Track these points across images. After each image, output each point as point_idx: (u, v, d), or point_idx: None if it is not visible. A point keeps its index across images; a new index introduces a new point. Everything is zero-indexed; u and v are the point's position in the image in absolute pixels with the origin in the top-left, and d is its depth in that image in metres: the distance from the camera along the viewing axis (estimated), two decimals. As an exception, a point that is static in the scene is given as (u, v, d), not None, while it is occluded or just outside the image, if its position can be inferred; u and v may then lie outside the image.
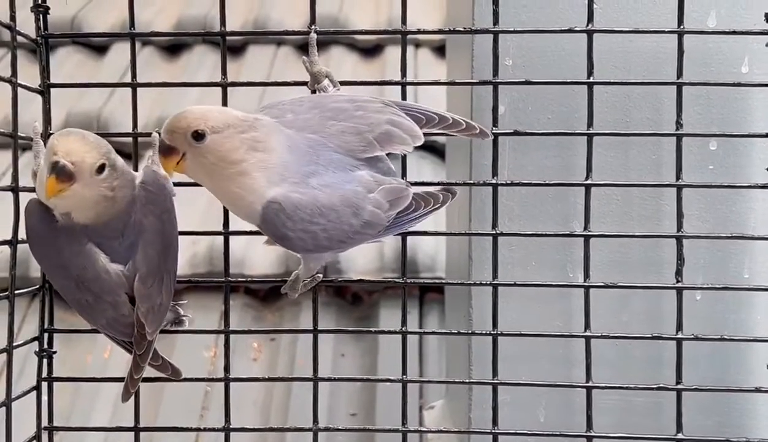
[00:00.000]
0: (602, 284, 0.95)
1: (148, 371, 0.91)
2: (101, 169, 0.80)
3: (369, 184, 0.82)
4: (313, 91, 0.91)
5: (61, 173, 0.77)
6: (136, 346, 0.88)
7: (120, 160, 0.83)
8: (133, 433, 0.99)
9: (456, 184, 0.96)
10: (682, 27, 0.94)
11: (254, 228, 0.87)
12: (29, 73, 0.98)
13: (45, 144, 0.89)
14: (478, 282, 1.00)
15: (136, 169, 0.98)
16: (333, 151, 0.82)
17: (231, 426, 0.98)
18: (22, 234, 0.93)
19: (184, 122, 0.79)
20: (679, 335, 0.95)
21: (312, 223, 0.81)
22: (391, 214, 0.84)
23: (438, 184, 0.99)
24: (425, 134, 0.86)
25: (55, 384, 0.99)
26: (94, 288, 0.84)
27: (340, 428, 0.98)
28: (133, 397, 0.98)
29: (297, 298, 0.96)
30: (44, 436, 0.98)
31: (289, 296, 0.96)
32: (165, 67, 2.52)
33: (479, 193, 1.01)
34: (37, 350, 0.98)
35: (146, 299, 0.86)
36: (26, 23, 0.94)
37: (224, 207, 0.96)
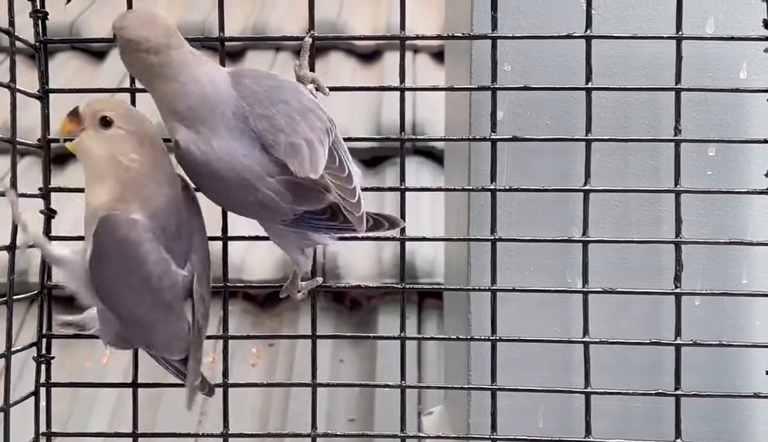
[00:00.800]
0: (601, 289, 0.95)
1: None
2: (106, 123, 0.80)
3: (268, 169, 0.80)
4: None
5: (72, 113, 0.79)
6: (195, 352, 0.87)
7: (157, 142, 0.82)
8: (131, 439, 0.99)
9: (455, 189, 0.96)
10: (680, 33, 0.94)
11: (253, 234, 0.87)
12: (28, 78, 0.98)
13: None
14: (476, 288, 1.00)
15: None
16: (255, 128, 0.81)
17: (229, 432, 0.98)
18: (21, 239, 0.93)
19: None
20: (678, 341, 0.95)
21: (203, 178, 0.81)
22: (297, 209, 0.82)
23: (437, 189, 0.99)
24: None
25: (54, 390, 0.99)
26: (168, 298, 0.82)
27: (338, 433, 0.98)
28: (131, 402, 0.98)
29: (295, 304, 0.96)
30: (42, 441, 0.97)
31: (291, 298, 0.95)
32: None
33: (478, 198, 1.01)
34: (36, 355, 0.97)
35: (202, 301, 0.85)
36: (25, 28, 0.94)
37: (223, 212, 0.96)
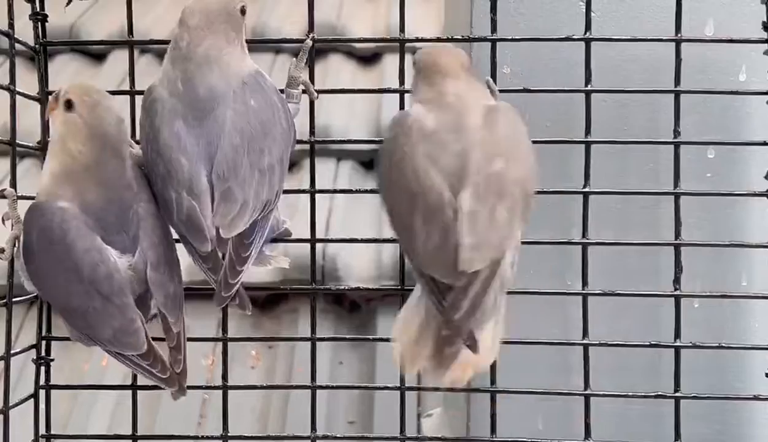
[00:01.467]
0: (600, 291, 0.95)
1: (145, 380, 0.90)
2: (69, 105, 0.80)
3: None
4: (281, 91, 0.90)
5: (56, 92, 0.82)
6: (168, 340, 0.85)
7: (112, 142, 0.82)
8: (130, 441, 0.99)
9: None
10: (679, 35, 0.94)
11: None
12: (28, 80, 0.98)
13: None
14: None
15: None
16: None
17: (229, 434, 0.98)
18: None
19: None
20: (678, 343, 0.95)
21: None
22: (184, 233, 0.82)
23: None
24: None
25: (53, 392, 0.99)
26: (104, 289, 0.80)
27: (338, 436, 0.98)
28: (130, 405, 0.98)
29: (295, 306, 0.96)
30: (41, 444, 0.98)
31: None
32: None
33: (477, 200, 1.01)
34: (35, 357, 0.98)
35: (161, 287, 0.83)
36: (25, 31, 0.95)
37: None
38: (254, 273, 2.07)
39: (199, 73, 0.81)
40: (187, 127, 0.80)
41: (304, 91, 0.91)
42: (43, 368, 0.98)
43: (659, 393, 0.95)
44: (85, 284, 0.80)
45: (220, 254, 0.82)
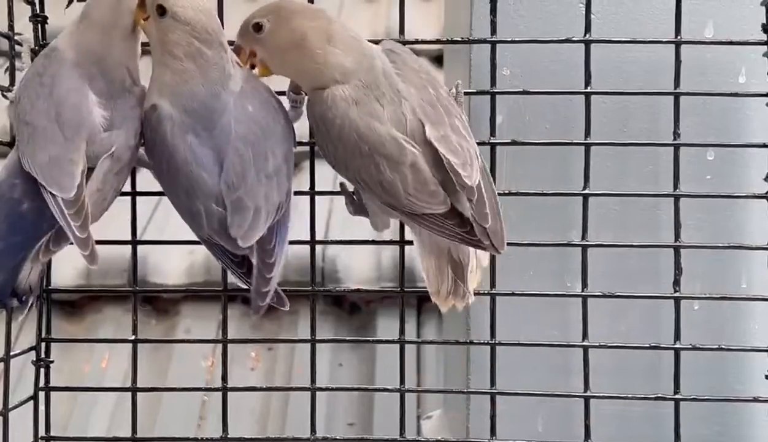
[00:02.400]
0: (600, 293, 0.95)
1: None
2: (162, 11, 0.80)
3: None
4: (288, 94, 0.92)
5: (140, 2, 0.81)
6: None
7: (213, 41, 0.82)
8: (130, 443, 0.99)
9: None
10: (679, 37, 0.94)
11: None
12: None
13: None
14: (475, 291, 1.00)
15: (133, 177, 0.98)
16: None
17: (228, 436, 0.98)
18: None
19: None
20: (677, 345, 0.95)
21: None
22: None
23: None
24: None
25: (53, 394, 0.99)
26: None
27: (337, 437, 0.98)
28: (130, 406, 0.98)
29: (295, 307, 0.96)
30: (41, 446, 0.97)
31: None
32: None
33: (477, 202, 1.01)
34: (35, 359, 0.97)
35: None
36: (25, 32, 0.94)
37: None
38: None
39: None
40: (198, 140, 0.81)
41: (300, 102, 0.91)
42: (42, 370, 0.98)
43: (659, 395, 0.95)
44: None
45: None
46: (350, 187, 0.92)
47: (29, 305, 0.88)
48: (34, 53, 0.96)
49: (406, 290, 0.98)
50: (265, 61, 0.84)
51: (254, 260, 0.83)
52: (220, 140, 0.81)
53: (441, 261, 0.90)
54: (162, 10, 0.79)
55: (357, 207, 0.92)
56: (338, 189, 0.94)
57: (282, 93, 0.91)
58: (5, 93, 0.90)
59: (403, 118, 0.81)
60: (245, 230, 0.81)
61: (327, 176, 1.01)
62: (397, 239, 0.98)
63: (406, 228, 0.95)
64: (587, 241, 0.95)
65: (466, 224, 0.82)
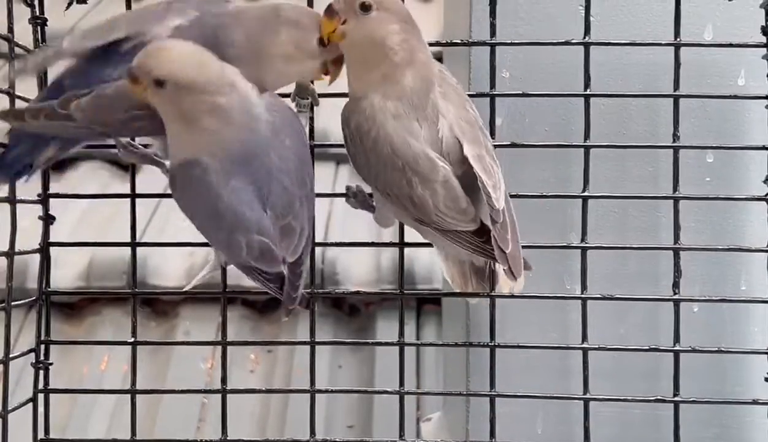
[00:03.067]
0: (599, 295, 0.95)
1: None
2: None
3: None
4: (293, 98, 0.92)
5: (327, 11, 0.81)
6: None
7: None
8: (129, 445, 0.99)
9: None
10: (678, 39, 0.94)
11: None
12: (27, 84, 0.98)
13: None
14: (474, 293, 1.00)
15: (133, 179, 0.99)
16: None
17: (228, 438, 0.98)
18: (19, 245, 0.93)
19: None
20: (677, 347, 0.95)
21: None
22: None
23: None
24: None
25: (52, 396, 0.99)
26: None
27: (337, 440, 0.98)
28: (129, 409, 0.98)
29: (294, 309, 0.96)
30: (40, 448, 0.97)
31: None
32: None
33: (476, 204, 1.01)
34: (34, 361, 0.97)
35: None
36: (24, 35, 0.95)
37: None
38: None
39: None
40: (239, 181, 0.81)
41: (303, 103, 0.92)
42: (41, 372, 0.98)
43: (658, 397, 0.95)
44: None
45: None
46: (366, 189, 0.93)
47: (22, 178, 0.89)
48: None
49: (405, 292, 0.98)
50: (347, 46, 0.82)
51: (285, 272, 0.84)
52: (260, 174, 0.81)
53: (464, 267, 0.92)
54: (160, 83, 0.77)
55: (360, 202, 0.94)
56: (337, 191, 0.94)
57: (285, 95, 0.91)
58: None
59: (439, 136, 0.81)
60: (292, 250, 0.83)
61: (326, 178, 1.01)
62: (397, 241, 0.98)
63: (406, 230, 0.95)
64: (587, 243, 0.95)
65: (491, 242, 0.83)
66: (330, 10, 0.81)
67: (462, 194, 0.81)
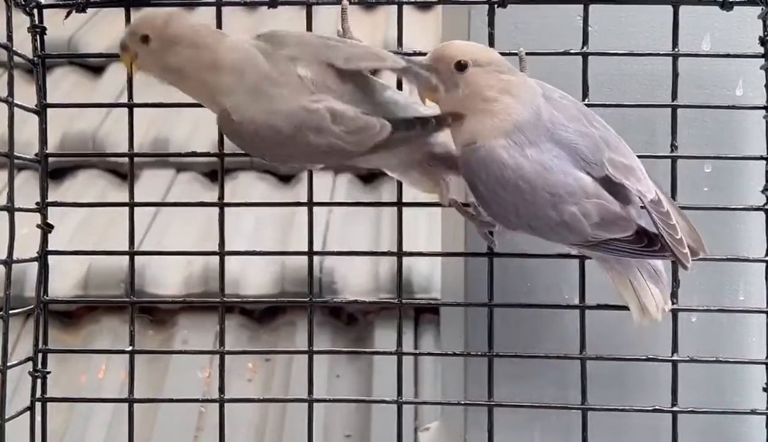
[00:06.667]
0: (597, 305, 0.95)
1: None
2: (462, 66, 0.81)
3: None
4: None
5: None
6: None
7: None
8: (126, 454, 0.98)
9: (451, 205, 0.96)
10: (676, 50, 0.94)
11: (249, 248, 0.87)
12: (26, 93, 0.99)
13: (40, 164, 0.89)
14: (473, 303, 1.00)
15: (131, 187, 0.99)
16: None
17: (225, 447, 0.98)
18: (17, 254, 0.93)
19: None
20: (675, 357, 0.95)
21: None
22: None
23: (434, 205, 0.99)
24: None
25: (49, 405, 0.98)
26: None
27: (334, 449, 0.98)
28: (127, 418, 0.98)
29: (292, 319, 0.96)
30: (37, 457, 0.97)
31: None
32: (161, 88, 2.51)
33: (475, 214, 1.01)
34: (31, 370, 0.97)
35: None
36: (23, 44, 0.95)
37: (220, 226, 0.96)
38: (253, 285, 2.07)
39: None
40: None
41: None
42: (39, 381, 0.98)
43: (657, 407, 0.95)
44: None
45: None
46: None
47: None
48: (33, 64, 0.97)
49: (403, 301, 0.98)
50: (451, 108, 0.83)
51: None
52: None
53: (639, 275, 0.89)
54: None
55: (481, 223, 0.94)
56: (336, 200, 0.94)
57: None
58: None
59: (568, 154, 0.81)
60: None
61: (324, 188, 1.01)
62: (395, 250, 0.98)
63: (404, 236, 0.95)
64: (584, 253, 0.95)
65: (653, 241, 0.83)
66: (427, 86, 0.82)
67: (612, 199, 0.81)
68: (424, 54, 0.93)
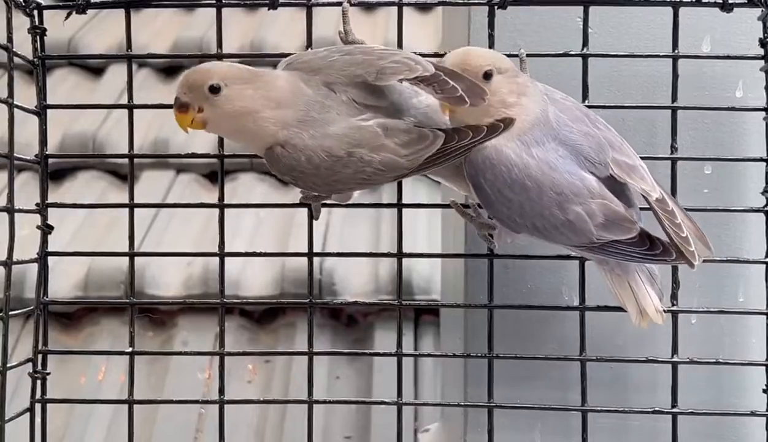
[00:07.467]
0: (597, 306, 0.95)
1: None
2: (488, 74, 0.82)
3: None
4: None
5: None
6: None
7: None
8: (126, 455, 0.98)
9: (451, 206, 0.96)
10: (676, 51, 0.94)
11: (249, 250, 0.87)
12: (26, 94, 0.99)
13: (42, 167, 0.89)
14: (473, 304, 1.00)
15: (131, 188, 0.99)
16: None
17: (225, 449, 0.97)
18: (17, 254, 0.93)
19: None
20: (675, 359, 0.95)
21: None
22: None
23: (434, 206, 0.99)
24: None
25: (49, 406, 0.98)
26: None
27: (334, 450, 0.98)
28: (126, 419, 0.97)
29: (292, 320, 0.96)
30: (37, 458, 0.97)
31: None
32: (161, 89, 2.51)
33: (475, 215, 1.01)
34: (31, 371, 0.97)
35: None
36: (23, 45, 0.95)
37: (220, 228, 0.96)
38: (252, 286, 2.07)
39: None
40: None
41: None
42: (39, 382, 0.98)
43: (656, 409, 0.95)
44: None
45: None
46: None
47: None
48: (33, 65, 0.97)
49: (403, 302, 0.98)
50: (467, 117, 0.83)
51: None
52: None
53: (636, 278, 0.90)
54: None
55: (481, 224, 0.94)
56: (331, 202, 0.94)
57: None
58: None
59: (572, 154, 0.82)
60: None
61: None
62: (395, 251, 0.98)
63: (404, 238, 0.95)
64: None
65: (655, 245, 0.83)
66: (454, 101, 0.81)
67: (617, 201, 0.82)
68: (425, 55, 0.93)
